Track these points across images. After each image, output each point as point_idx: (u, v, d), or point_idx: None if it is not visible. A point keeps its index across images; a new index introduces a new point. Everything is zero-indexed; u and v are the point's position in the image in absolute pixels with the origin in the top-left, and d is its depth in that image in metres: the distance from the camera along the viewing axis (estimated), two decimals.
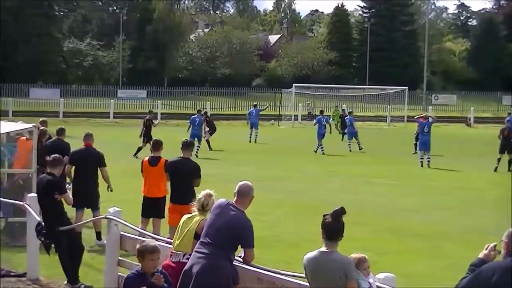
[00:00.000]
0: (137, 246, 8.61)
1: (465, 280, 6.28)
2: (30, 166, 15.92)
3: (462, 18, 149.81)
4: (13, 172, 16.80)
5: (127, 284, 8.50)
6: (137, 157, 31.39)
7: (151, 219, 15.39)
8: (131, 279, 8.44)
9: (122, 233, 10.97)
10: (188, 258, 8.90)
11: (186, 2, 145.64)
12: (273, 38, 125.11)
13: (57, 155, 13.42)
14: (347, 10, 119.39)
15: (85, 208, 16.10)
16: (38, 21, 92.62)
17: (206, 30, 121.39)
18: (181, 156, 14.78)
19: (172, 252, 9.29)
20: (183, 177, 14.41)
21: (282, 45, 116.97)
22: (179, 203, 13.98)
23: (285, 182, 27.24)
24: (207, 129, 39.10)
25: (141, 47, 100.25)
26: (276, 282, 8.24)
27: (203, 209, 9.46)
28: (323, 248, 7.25)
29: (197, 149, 34.04)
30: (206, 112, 44.21)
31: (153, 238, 11.03)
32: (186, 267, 8.74)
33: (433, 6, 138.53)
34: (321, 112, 43.65)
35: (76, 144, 17.81)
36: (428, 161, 33.39)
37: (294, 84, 71.05)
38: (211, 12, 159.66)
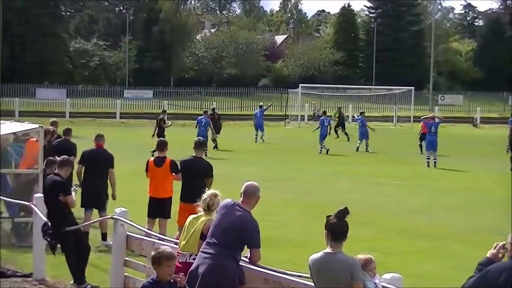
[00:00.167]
0: (152, 253, 8.09)
1: (472, 279, 6.25)
2: (35, 166, 15.94)
3: (468, 18, 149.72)
4: (19, 172, 16.83)
5: None
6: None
7: (157, 220, 15.40)
8: None
9: (128, 233, 10.98)
10: (194, 259, 8.90)
11: (192, 2, 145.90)
12: (279, 39, 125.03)
13: (65, 156, 13.49)
14: (353, 10, 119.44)
15: (93, 209, 16.12)
16: (45, 21, 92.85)
17: (212, 30, 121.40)
18: (194, 155, 14.84)
19: (178, 253, 9.28)
20: (195, 176, 14.39)
21: (288, 45, 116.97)
22: (190, 202, 13.95)
23: (292, 182, 27.23)
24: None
25: (148, 47, 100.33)
26: (282, 283, 8.24)
27: (208, 209, 9.45)
28: (328, 249, 7.24)
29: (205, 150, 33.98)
30: (214, 109, 44.01)
31: (159, 238, 11.06)
32: (192, 267, 8.73)
33: (439, 6, 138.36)
34: (324, 112, 43.65)
35: (82, 144, 17.83)
36: (435, 162, 33.35)
37: (300, 85, 71.01)
38: (218, 12, 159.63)
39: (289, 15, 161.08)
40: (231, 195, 9.38)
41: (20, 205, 15.11)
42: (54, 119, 22.12)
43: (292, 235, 17.49)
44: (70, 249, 12.56)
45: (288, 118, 65.39)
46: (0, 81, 73.66)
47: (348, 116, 66.69)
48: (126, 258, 10.95)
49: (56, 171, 12.95)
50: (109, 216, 11.76)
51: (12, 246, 15.47)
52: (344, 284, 7.09)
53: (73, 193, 12.88)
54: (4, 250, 14.49)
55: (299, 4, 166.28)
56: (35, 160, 16.09)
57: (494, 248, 6.54)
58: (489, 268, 6.15)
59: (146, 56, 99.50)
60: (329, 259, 7.19)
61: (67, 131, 18.39)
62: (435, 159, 33.45)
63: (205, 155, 31.66)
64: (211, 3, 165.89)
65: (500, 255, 6.45)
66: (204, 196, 9.54)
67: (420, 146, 38.60)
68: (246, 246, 8.82)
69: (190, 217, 9.61)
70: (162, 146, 15.58)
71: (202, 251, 8.76)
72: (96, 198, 15.96)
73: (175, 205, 15.13)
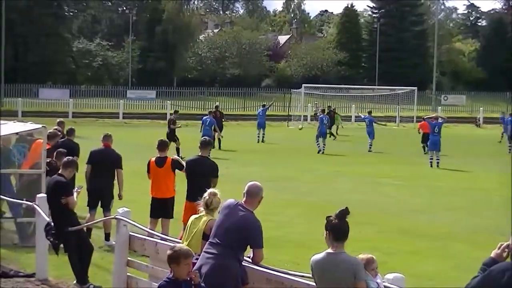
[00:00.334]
0: (169, 252, 7.83)
1: (476, 279, 6.26)
2: (38, 166, 15.97)
3: (471, 18, 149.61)
4: (22, 173, 16.87)
5: None
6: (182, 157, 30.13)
7: (159, 220, 15.44)
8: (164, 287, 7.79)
9: (131, 233, 11.01)
10: (197, 259, 8.93)
11: (195, 2, 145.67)
12: (282, 39, 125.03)
13: (70, 157, 13.55)
14: (356, 10, 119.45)
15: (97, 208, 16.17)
16: (48, 21, 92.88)
17: (215, 31, 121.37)
18: (199, 154, 14.88)
19: None
20: (201, 175, 14.37)
21: (291, 45, 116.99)
22: (195, 201, 14.00)
23: (295, 183, 27.26)
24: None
25: (151, 47, 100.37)
26: (285, 283, 8.26)
27: (207, 207, 9.49)
28: (330, 250, 7.26)
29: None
30: (217, 106, 43.93)
31: (162, 238, 11.10)
32: (195, 268, 8.75)
33: (442, 7, 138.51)
34: (323, 111, 43.61)
35: (85, 144, 17.86)
36: (438, 162, 33.35)
37: (303, 85, 70.90)
38: (221, 12, 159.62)
39: (292, 15, 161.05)
40: (234, 195, 9.40)
41: (23, 205, 15.16)
42: (61, 119, 22.13)
43: (293, 235, 17.51)
44: (73, 249, 12.58)
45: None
46: (3, 81, 73.83)
47: (351, 117, 66.81)
48: (129, 258, 10.97)
49: (60, 172, 12.99)
50: (112, 216, 11.79)
51: (15, 246, 15.51)
52: (347, 284, 7.11)
53: (75, 194, 12.89)
54: (6, 250, 14.55)
55: (302, 4, 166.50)
56: (37, 160, 16.12)
57: (499, 248, 6.55)
58: (493, 268, 6.16)
59: (149, 56, 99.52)
60: (331, 259, 7.20)
61: (70, 131, 18.46)
62: (438, 159, 33.46)
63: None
64: (214, 3, 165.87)
65: (505, 254, 6.47)
66: (204, 195, 9.59)
67: (423, 147, 38.52)
68: (249, 246, 8.85)
69: (192, 217, 9.65)
70: (162, 146, 15.59)
71: (205, 251, 8.79)
72: (103, 198, 16.02)
73: (178, 205, 15.17)
